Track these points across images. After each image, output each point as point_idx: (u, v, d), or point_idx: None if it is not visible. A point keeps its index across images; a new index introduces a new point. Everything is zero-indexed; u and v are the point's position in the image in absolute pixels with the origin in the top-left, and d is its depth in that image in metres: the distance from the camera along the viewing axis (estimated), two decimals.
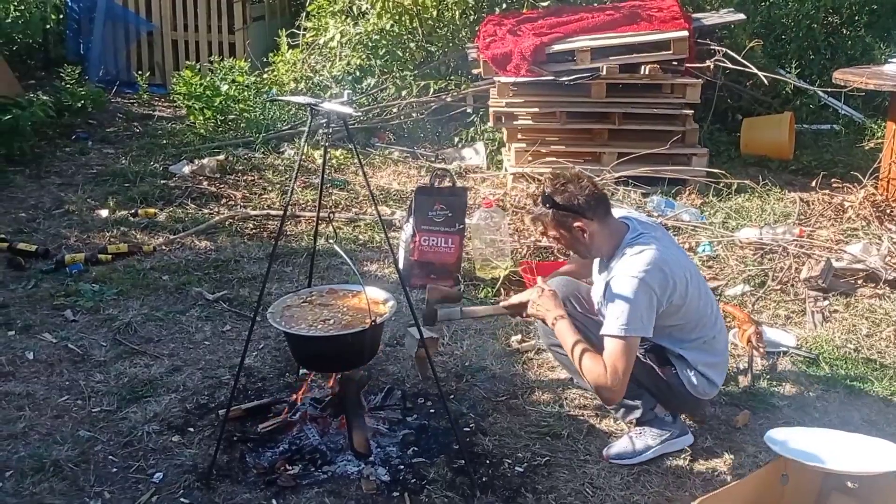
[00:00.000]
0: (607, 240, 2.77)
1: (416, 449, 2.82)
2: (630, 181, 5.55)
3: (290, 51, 7.53)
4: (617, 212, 2.91)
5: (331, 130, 2.51)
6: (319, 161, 6.03)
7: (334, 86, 7.00)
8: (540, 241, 4.85)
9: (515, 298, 2.99)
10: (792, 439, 2.49)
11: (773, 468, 2.38)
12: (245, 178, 5.74)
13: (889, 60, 5.81)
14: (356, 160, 6.34)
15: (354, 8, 7.03)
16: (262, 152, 6.26)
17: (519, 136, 6.14)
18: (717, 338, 2.89)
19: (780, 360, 3.54)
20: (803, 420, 3.08)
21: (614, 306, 2.63)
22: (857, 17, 7.46)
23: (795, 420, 3.08)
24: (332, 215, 2.72)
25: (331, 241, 2.75)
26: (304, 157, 5.92)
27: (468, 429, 2.99)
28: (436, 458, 2.79)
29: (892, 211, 4.97)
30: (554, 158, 5.82)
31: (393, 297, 2.85)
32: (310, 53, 7.38)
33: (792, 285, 4.20)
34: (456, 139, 6.85)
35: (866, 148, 5.82)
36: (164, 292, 4.01)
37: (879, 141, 5.63)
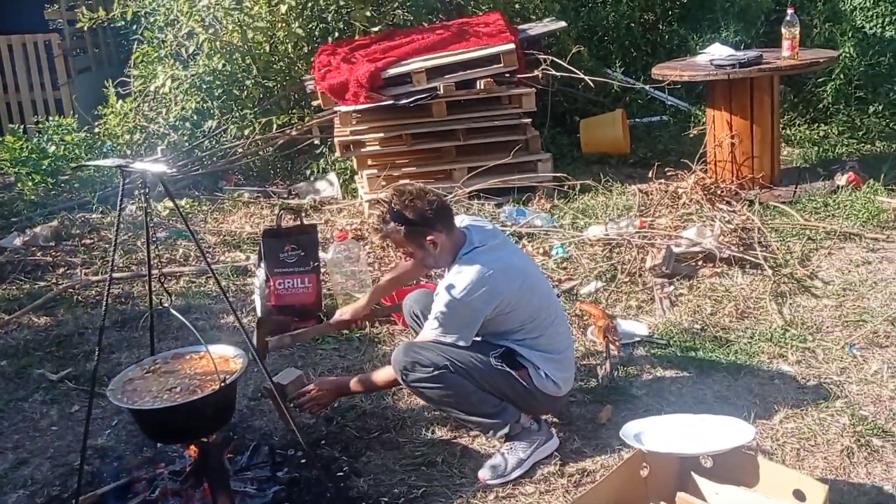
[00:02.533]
0: (451, 250, 2.87)
1: None
2: (482, 194, 5.66)
3: (121, 101, 7.24)
4: (458, 220, 2.98)
5: (148, 190, 2.40)
6: (165, 214, 5.85)
7: (172, 133, 6.78)
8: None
9: (340, 313, 3.27)
10: (646, 430, 2.60)
11: (632, 462, 2.47)
12: (83, 241, 5.45)
13: (701, 51, 6.21)
14: (202, 207, 6.18)
15: (183, 51, 6.82)
16: (101, 211, 5.97)
17: (369, 162, 6.14)
18: (556, 335, 2.96)
19: (636, 349, 3.69)
20: (661, 406, 3.21)
21: (441, 320, 2.81)
22: (670, 13, 7.94)
23: (654, 407, 3.21)
24: (162, 276, 2.59)
25: (167, 301, 2.62)
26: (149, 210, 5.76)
27: (342, 473, 2.94)
28: None
29: (721, 192, 5.30)
30: (407, 181, 5.86)
31: (243, 351, 2.76)
32: (142, 102, 7.12)
33: (639, 275, 4.40)
34: (308, 172, 6.78)
35: (692, 135, 6.19)
36: (2, 379, 3.73)
37: (703, 127, 6.00)
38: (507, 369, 2.87)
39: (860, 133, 6.76)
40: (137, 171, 2.41)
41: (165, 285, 2.61)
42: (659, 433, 2.59)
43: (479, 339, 2.91)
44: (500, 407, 2.87)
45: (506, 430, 2.88)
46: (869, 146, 6.51)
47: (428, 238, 2.81)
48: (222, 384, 2.47)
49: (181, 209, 3.89)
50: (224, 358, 2.69)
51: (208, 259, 3.60)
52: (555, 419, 3.14)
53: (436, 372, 2.78)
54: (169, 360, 2.75)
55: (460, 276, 2.77)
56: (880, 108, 6.97)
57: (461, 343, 2.81)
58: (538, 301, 2.93)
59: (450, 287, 2.77)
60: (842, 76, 6.99)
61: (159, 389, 2.55)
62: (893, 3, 7.30)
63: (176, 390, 2.54)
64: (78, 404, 3.50)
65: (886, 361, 3.36)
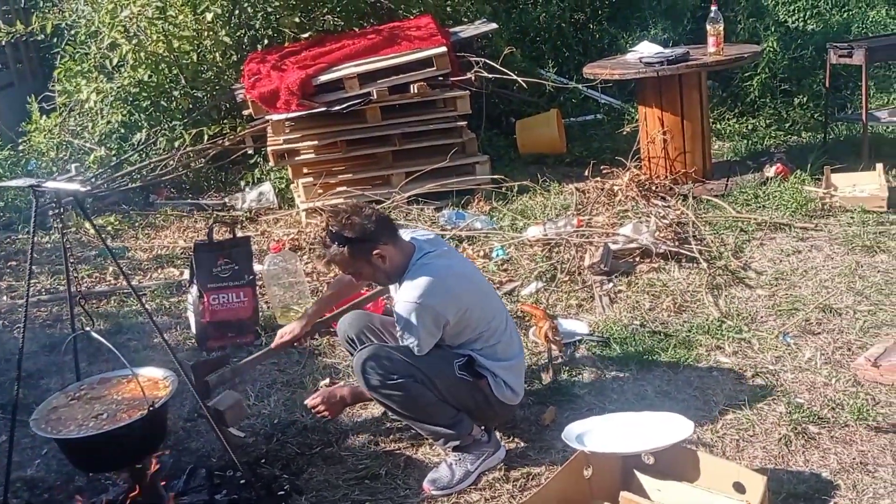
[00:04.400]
0: (401, 261, 2.81)
1: None
2: (421, 199, 5.63)
3: (45, 117, 6.99)
4: (403, 233, 2.94)
5: (62, 210, 2.30)
6: (92, 233, 5.66)
7: (100, 148, 6.57)
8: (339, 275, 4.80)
9: (280, 334, 3.21)
10: (588, 431, 2.60)
11: (575, 463, 2.46)
12: (9, 264, 5.23)
13: (630, 50, 6.29)
14: (133, 223, 6.01)
15: (107, 63, 6.62)
16: (27, 232, 5.73)
17: (305, 170, 6.05)
18: (510, 342, 2.96)
19: (577, 348, 3.69)
20: (603, 404, 3.22)
21: (404, 331, 2.76)
22: (599, 12, 8.03)
23: (597, 405, 3.22)
24: (82, 299, 2.49)
25: (88, 325, 2.51)
26: (77, 228, 5.56)
27: (283, 492, 2.87)
28: None
29: (655, 188, 5.36)
30: (344, 188, 5.80)
31: (173, 373, 2.67)
32: (67, 117, 6.89)
33: (579, 274, 4.41)
34: (242, 183, 6.65)
35: (626, 132, 6.25)
36: None
37: (636, 125, 6.07)
38: (470, 378, 2.85)
39: (786, 125, 6.94)
40: (51, 191, 2.30)
41: (87, 308, 2.50)
42: (601, 433, 2.59)
43: (442, 351, 2.87)
44: (456, 418, 2.85)
45: (457, 441, 2.85)
46: (795, 137, 6.68)
47: (374, 252, 2.75)
48: (150, 409, 2.37)
49: (105, 226, 3.78)
50: (153, 381, 2.60)
51: (129, 277, 3.48)
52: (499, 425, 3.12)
53: (400, 380, 2.74)
54: (95, 386, 2.64)
55: (418, 282, 2.72)
56: (804, 100, 7.16)
57: (421, 349, 2.76)
58: (491, 307, 2.93)
59: (409, 293, 2.72)
60: (767, 70, 7.16)
61: (85, 417, 2.44)
62: None
63: (102, 417, 2.44)
64: (5, 434, 3.34)
65: (819, 348, 3.43)
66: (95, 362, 3.80)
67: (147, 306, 4.45)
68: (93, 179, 6.15)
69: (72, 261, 2.48)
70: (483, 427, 2.93)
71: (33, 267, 5.11)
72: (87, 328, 2.37)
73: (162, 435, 2.58)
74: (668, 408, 3.07)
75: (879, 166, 5.22)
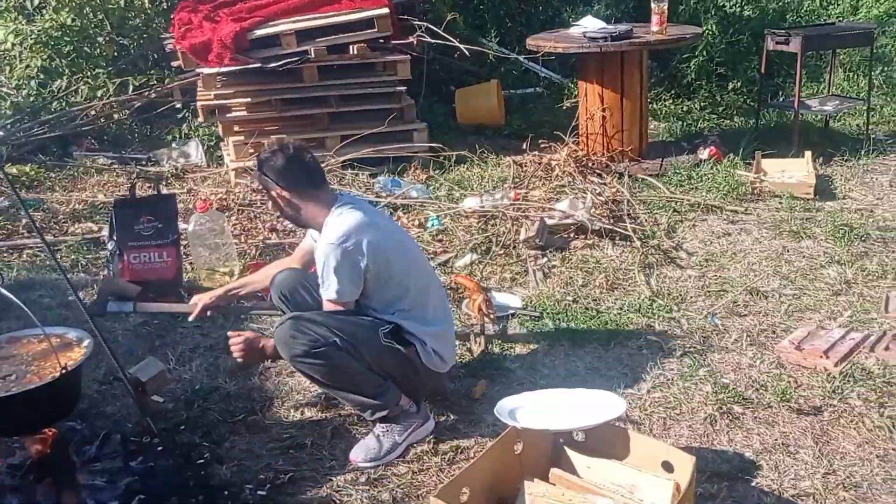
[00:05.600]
0: (317, 213, 2.80)
1: (142, 497, 2.53)
2: (356, 164, 5.50)
3: None
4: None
5: None
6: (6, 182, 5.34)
7: (16, 93, 6.20)
8: (269, 239, 4.66)
9: (194, 301, 3.11)
10: (519, 407, 2.57)
11: (506, 439, 2.43)
12: None
13: (574, 24, 6.25)
14: (50, 174, 5.71)
15: (28, 3, 6.23)
16: None
17: (236, 128, 5.84)
18: (438, 308, 2.92)
19: (510, 322, 3.67)
20: (535, 379, 3.21)
21: (323, 274, 2.73)
22: None
23: (528, 380, 3.20)
24: None
25: (3, 277, 2.34)
26: None
27: (202, 460, 2.76)
28: (166, 503, 2.53)
29: (592, 164, 5.37)
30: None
31: (89, 334, 2.52)
32: None
33: (514, 248, 4.39)
34: (168, 138, 6.38)
35: (565, 107, 6.24)
36: None
37: (576, 100, 6.06)
38: (397, 346, 2.78)
39: (720, 109, 7.05)
40: None
41: None
42: (533, 409, 2.57)
43: (367, 318, 2.80)
44: (382, 387, 2.78)
45: (384, 412, 2.79)
46: (728, 122, 6.80)
47: (273, 192, 2.81)
48: (63, 371, 2.23)
49: (23, 178, 3.53)
50: (66, 342, 2.45)
51: (41, 231, 3.28)
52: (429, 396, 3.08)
53: (322, 348, 2.65)
54: (3, 345, 2.48)
55: (336, 225, 2.73)
56: (739, 84, 7.28)
57: (340, 294, 2.71)
58: (417, 265, 2.90)
59: (327, 236, 2.72)
60: (704, 53, 7.24)
61: None
62: None
63: (11, 378, 2.28)
64: None
65: (745, 330, 3.49)
66: (6, 319, 3.59)
67: (62, 262, 4.25)
68: (7, 126, 5.80)
69: None
70: (412, 399, 2.87)
71: None
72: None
73: (75, 399, 2.44)
74: (599, 385, 3.07)
75: (808, 154, 5.34)
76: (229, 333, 2.94)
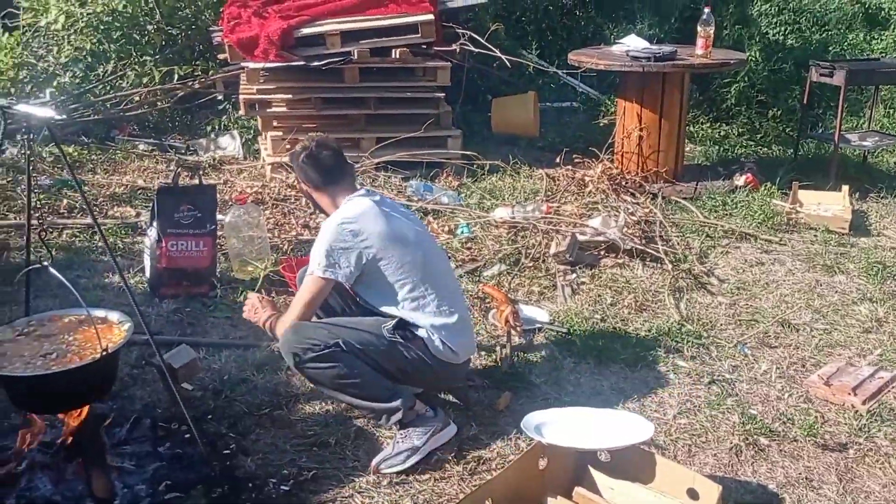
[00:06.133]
0: (330, 202, 2.94)
1: (169, 483, 2.57)
2: (389, 166, 5.54)
3: (8, 35, 6.66)
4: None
5: (32, 136, 2.17)
6: (49, 160, 5.44)
7: (64, 74, 6.31)
8: (302, 235, 4.70)
9: (253, 307, 3.03)
10: (546, 422, 2.58)
11: (531, 454, 2.44)
12: None
13: (616, 41, 6.25)
14: (92, 157, 5.80)
15: None
16: None
17: (275, 123, 5.91)
18: (448, 298, 2.91)
19: (536, 336, 3.68)
20: (559, 395, 3.21)
21: (314, 250, 2.83)
22: (587, 1, 7.97)
23: (552, 396, 3.21)
24: (42, 232, 2.36)
25: (47, 259, 2.39)
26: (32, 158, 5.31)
27: (228, 451, 2.80)
28: (192, 491, 2.56)
29: (626, 183, 5.37)
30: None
31: (130, 318, 2.57)
32: (32, 37, 6.58)
33: (543, 261, 4.40)
34: (208, 128, 6.46)
35: (602, 124, 6.23)
36: None
37: (613, 117, 6.06)
38: (401, 339, 2.80)
39: (759, 136, 7.01)
40: (21, 114, 2.16)
41: (47, 240, 2.38)
42: (559, 425, 2.58)
43: (369, 318, 2.85)
44: (392, 390, 2.79)
45: (398, 415, 2.79)
46: (766, 149, 6.76)
47: (300, 185, 3.03)
48: (104, 353, 2.28)
49: (68, 158, 3.58)
50: (108, 323, 2.50)
51: (95, 214, 3.33)
52: (454, 399, 3.09)
53: (326, 350, 2.69)
54: (45, 323, 2.52)
55: (344, 209, 2.85)
56: (779, 112, 7.24)
57: (324, 274, 2.78)
58: (431, 256, 2.93)
59: (332, 218, 2.85)
60: (746, 79, 7.21)
61: (32, 354, 2.33)
62: (795, 13, 7.59)
63: (51, 356, 2.33)
64: None
65: (775, 362, 3.47)
66: (42, 296, 3.66)
67: (99, 244, 4.32)
68: (64, 106, 5.91)
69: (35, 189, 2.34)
70: (429, 398, 2.88)
71: None
72: (45, 262, 2.25)
73: (112, 381, 2.48)
74: (624, 406, 3.08)
75: (845, 188, 5.30)
76: (249, 294, 3.10)
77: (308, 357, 2.70)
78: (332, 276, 2.79)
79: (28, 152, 2.25)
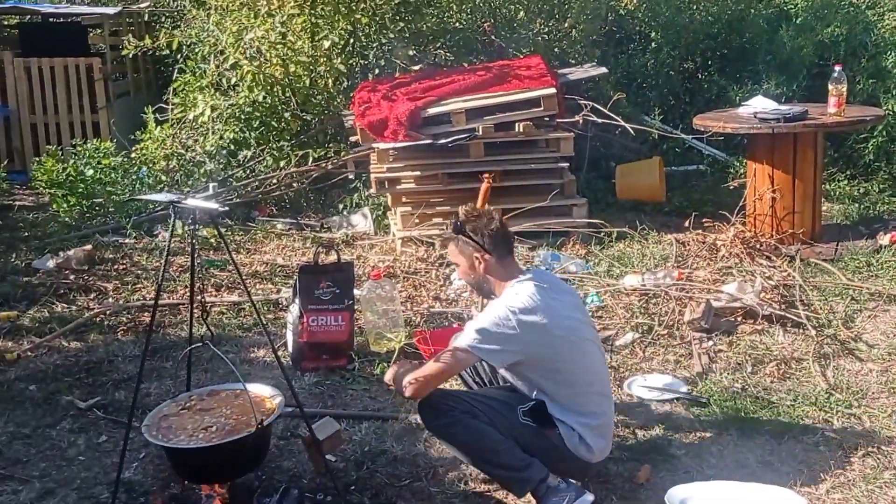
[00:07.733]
0: (501, 276, 2.92)
1: None
2: (516, 237, 5.60)
3: (159, 127, 7.30)
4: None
5: (197, 227, 2.39)
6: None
7: (208, 161, 6.81)
8: (433, 307, 4.81)
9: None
10: (691, 497, 2.52)
11: None
12: (116, 267, 5.44)
13: (743, 103, 6.16)
14: (235, 237, 6.19)
15: (224, 81, 6.89)
16: (135, 237, 5.98)
17: (403, 199, 6.13)
18: (598, 400, 2.90)
19: (675, 406, 3.59)
20: (701, 468, 3.11)
21: (477, 322, 2.79)
22: (709, 63, 7.91)
23: (694, 469, 3.11)
24: (204, 313, 2.56)
25: (207, 331, 2.58)
26: (179, 238, 5.75)
27: None
28: None
29: (760, 246, 5.21)
30: (441, 219, 5.84)
31: (279, 391, 2.71)
32: (180, 129, 7.18)
33: (677, 329, 4.31)
34: (341, 206, 6.77)
35: (731, 186, 6.10)
36: (31, 405, 3.69)
37: (742, 179, 5.94)
38: (534, 425, 2.80)
39: None
40: (189, 208, 2.39)
41: (208, 319, 2.57)
42: (704, 500, 2.50)
43: (513, 394, 2.86)
44: (527, 461, 2.78)
45: (531, 486, 2.78)
46: None
47: (476, 254, 2.92)
48: (259, 426, 2.41)
49: (220, 241, 3.89)
50: (261, 397, 2.65)
51: (251, 293, 3.56)
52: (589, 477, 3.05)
53: (460, 415, 2.73)
54: (205, 397, 2.71)
55: (519, 295, 2.80)
56: None
57: (484, 356, 2.77)
58: (585, 357, 2.89)
59: (508, 300, 2.80)
60: (884, 133, 6.89)
61: (194, 427, 2.51)
62: None
63: (212, 429, 2.49)
64: (106, 434, 3.46)
65: None
66: (194, 371, 3.89)
67: (245, 321, 4.59)
68: (218, 191, 6.36)
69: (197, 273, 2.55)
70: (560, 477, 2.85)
71: (140, 271, 5.34)
72: (206, 341, 2.43)
73: (265, 451, 2.62)
74: (772, 480, 2.94)
75: None
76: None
77: (442, 422, 2.76)
78: (480, 357, 2.79)
79: (193, 240, 2.46)
